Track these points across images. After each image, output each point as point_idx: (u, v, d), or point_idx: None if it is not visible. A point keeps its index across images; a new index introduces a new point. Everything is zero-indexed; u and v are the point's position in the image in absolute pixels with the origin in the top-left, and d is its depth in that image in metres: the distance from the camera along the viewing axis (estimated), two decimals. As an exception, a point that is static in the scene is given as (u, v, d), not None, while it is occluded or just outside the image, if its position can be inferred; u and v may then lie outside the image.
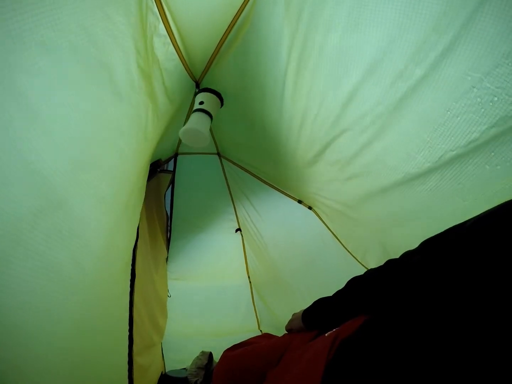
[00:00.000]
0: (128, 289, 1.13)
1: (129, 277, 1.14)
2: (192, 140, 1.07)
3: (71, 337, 0.75)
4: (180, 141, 1.73)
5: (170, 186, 2.03)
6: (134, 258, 1.17)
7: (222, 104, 1.18)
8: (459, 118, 0.69)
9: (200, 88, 1.16)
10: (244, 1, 0.82)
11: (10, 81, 0.47)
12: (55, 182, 0.59)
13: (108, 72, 0.67)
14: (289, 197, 1.70)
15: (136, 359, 1.27)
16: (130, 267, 1.15)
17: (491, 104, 0.63)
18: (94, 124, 0.67)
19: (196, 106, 1.09)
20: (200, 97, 1.11)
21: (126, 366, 1.10)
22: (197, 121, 1.04)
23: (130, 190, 0.98)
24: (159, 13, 0.75)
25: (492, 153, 0.68)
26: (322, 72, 0.86)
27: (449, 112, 0.70)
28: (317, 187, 1.39)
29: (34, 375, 0.65)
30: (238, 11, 0.85)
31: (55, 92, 0.55)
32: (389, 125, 0.84)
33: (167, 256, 2.20)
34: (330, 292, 0.75)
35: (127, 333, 1.11)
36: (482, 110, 0.64)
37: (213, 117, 1.10)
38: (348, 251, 1.51)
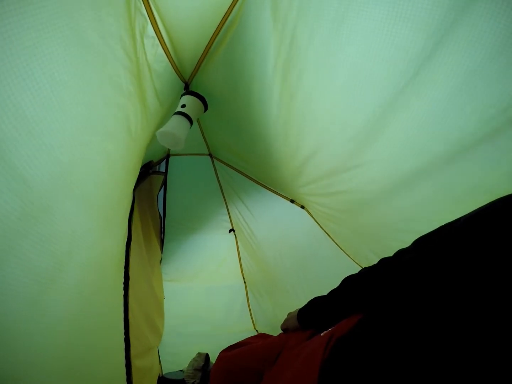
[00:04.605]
0: (122, 291, 1.12)
1: (122, 280, 1.13)
2: (168, 142, 1.07)
3: (65, 343, 0.74)
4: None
5: (163, 187, 2.02)
6: (127, 261, 1.16)
7: (206, 109, 1.17)
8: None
9: (189, 89, 1.15)
10: (232, 2, 0.81)
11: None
12: (40, 186, 0.58)
13: (98, 75, 0.66)
14: (281, 196, 1.70)
15: (135, 362, 1.26)
16: (123, 270, 1.14)
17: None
18: (81, 127, 0.66)
19: (178, 108, 1.08)
20: (184, 100, 1.11)
21: (124, 370, 1.10)
22: (174, 125, 1.03)
23: (119, 192, 0.97)
24: (147, 14, 0.74)
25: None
26: (307, 75, 0.86)
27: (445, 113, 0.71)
28: (305, 192, 1.39)
29: (30, 379, 0.65)
30: (226, 11, 0.84)
31: (43, 95, 0.54)
32: (378, 133, 0.85)
33: (161, 258, 2.19)
34: (325, 291, 0.75)
35: (123, 336, 1.11)
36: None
37: (193, 122, 1.10)
38: (342, 249, 1.51)
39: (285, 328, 0.89)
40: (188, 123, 1.06)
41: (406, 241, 0.59)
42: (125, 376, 1.09)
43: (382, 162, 0.90)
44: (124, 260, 1.15)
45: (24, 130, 0.52)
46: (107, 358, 1.02)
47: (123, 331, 1.11)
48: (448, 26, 0.61)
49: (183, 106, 1.08)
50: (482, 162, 0.71)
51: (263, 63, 0.91)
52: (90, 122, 0.69)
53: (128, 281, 1.15)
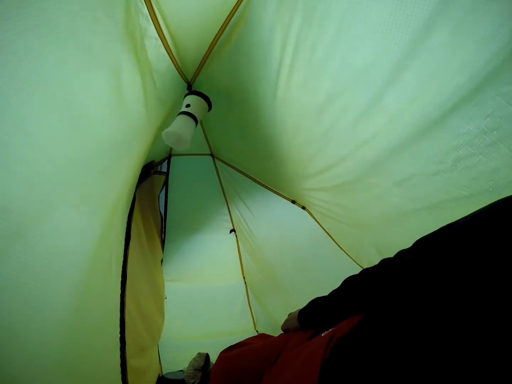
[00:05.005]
0: (119, 291, 1.12)
1: (120, 279, 1.13)
2: (174, 143, 1.07)
3: (63, 342, 0.75)
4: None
5: (164, 187, 2.02)
6: (125, 260, 1.16)
7: (210, 108, 1.18)
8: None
9: (192, 89, 1.16)
10: (237, 2, 0.82)
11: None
12: (38, 186, 0.58)
13: (95, 75, 0.67)
14: (282, 197, 1.70)
15: (131, 362, 1.26)
16: (121, 269, 1.14)
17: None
18: (78, 126, 0.66)
19: (183, 108, 1.09)
20: (188, 99, 1.11)
21: (119, 369, 1.10)
22: (180, 125, 1.03)
23: (119, 192, 0.97)
24: (149, 14, 0.75)
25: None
26: (313, 71, 0.87)
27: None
28: (309, 188, 1.39)
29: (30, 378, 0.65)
30: (231, 11, 0.84)
31: (35, 94, 0.55)
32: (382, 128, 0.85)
33: (162, 258, 2.19)
34: (325, 291, 0.75)
35: (119, 335, 1.11)
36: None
37: (198, 121, 1.10)
38: (343, 250, 1.51)
39: (286, 328, 0.89)
40: (193, 122, 1.07)
41: (407, 240, 0.59)
42: (120, 376, 1.10)
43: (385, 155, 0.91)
44: (122, 259, 1.15)
45: (19, 130, 0.52)
46: (103, 357, 1.02)
47: (119, 330, 1.11)
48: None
49: (188, 106, 1.08)
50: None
51: (269, 62, 0.92)
52: (88, 122, 0.69)
53: (125, 281, 1.15)
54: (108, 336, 1.06)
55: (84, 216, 0.77)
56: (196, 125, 1.09)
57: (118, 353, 1.10)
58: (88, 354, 0.90)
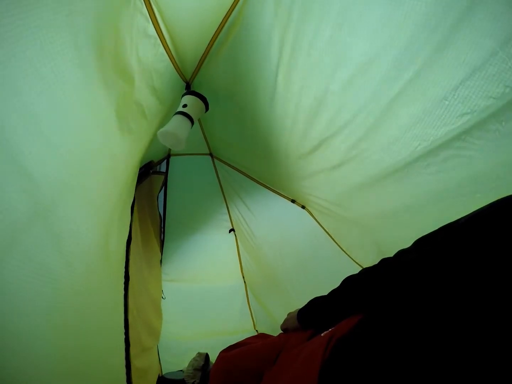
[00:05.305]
0: (122, 291, 1.12)
1: (123, 280, 1.13)
2: (169, 142, 1.07)
3: (67, 343, 0.74)
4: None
5: (163, 187, 2.02)
6: (127, 260, 1.16)
7: (207, 109, 1.17)
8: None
9: (190, 89, 1.15)
10: (234, 1, 0.81)
11: (9, 83, 0.46)
12: (46, 186, 0.58)
13: (98, 75, 0.66)
14: (282, 196, 1.70)
15: (134, 362, 1.26)
16: (124, 269, 1.14)
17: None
18: (84, 128, 0.66)
19: (179, 108, 1.08)
20: (185, 99, 1.11)
21: (124, 370, 1.10)
22: (175, 125, 1.03)
23: (120, 192, 0.97)
24: (149, 14, 0.74)
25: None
26: (312, 69, 0.87)
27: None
28: (309, 186, 1.39)
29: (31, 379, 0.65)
30: (228, 11, 0.84)
31: (51, 95, 0.54)
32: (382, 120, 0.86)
33: (161, 258, 2.18)
34: (325, 291, 0.75)
35: (123, 336, 1.10)
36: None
37: (194, 121, 1.10)
38: (343, 250, 1.51)
39: (285, 328, 0.88)
40: (189, 123, 1.06)
41: (408, 238, 0.59)
42: (125, 377, 1.09)
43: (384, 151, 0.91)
44: (124, 260, 1.15)
45: (33, 132, 0.52)
46: (107, 358, 1.02)
47: (124, 331, 1.11)
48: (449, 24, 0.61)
49: (185, 106, 1.08)
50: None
51: (267, 59, 0.92)
52: (92, 124, 0.69)
53: (128, 281, 1.15)
54: (112, 336, 1.06)
55: (89, 215, 0.77)
56: (192, 126, 1.09)
57: (123, 353, 1.10)
58: (91, 354, 0.89)
